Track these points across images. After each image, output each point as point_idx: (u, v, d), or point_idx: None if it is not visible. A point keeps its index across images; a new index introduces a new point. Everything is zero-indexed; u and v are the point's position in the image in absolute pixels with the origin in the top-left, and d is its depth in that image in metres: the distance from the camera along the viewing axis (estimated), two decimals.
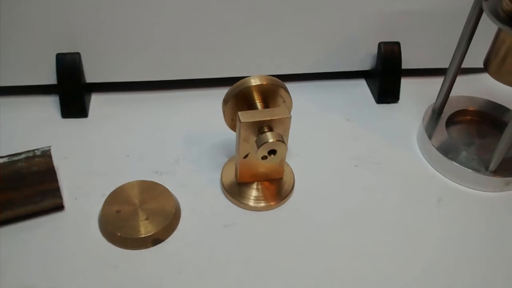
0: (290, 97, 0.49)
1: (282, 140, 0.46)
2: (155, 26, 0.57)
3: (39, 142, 0.54)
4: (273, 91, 0.48)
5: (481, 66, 0.51)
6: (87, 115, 0.58)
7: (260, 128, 0.46)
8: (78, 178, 0.51)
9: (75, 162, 0.53)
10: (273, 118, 0.46)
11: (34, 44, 0.56)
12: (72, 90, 0.57)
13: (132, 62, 0.59)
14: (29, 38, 0.55)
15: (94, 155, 0.54)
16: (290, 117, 0.46)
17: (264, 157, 0.47)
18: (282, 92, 0.48)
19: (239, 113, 0.46)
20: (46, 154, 0.46)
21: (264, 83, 0.47)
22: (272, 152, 0.46)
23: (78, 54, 0.57)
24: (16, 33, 0.55)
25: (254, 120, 0.46)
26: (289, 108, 0.49)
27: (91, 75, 0.58)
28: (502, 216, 0.51)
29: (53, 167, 0.46)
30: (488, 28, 0.50)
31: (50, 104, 0.59)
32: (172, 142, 0.56)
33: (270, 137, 0.45)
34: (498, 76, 0.49)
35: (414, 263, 0.47)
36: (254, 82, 0.47)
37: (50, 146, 0.46)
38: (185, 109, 0.60)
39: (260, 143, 0.45)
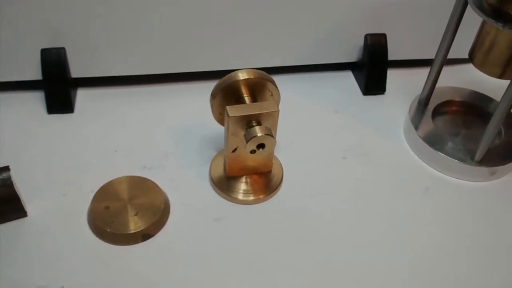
0: (278, 91, 0.49)
1: (270, 134, 0.46)
2: (140, 20, 0.56)
3: (25, 139, 0.54)
4: (260, 85, 0.48)
5: (467, 56, 0.52)
6: (73, 110, 0.58)
7: (248, 122, 0.46)
8: (65, 175, 0.51)
9: (62, 158, 0.53)
10: (261, 112, 0.46)
11: (18, 39, 0.55)
12: (58, 86, 0.57)
13: (118, 57, 0.58)
14: (13, 33, 0.55)
15: (81, 151, 0.54)
16: (278, 111, 0.46)
17: (252, 151, 0.47)
18: (269, 85, 0.48)
19: (227, 107, 0.46)
20: (6, 184, 0.44)
21: (252, 77, 0.47)
22: (261, 146, 0.46)
23: (63, 49, 0.56)
24: None
25: (243, 114, 0.46)
26: (277, 101, 0.49)
27: (76, 70, 0.58)
28: (488, 205, 0.52)
29: (15, 194, 0.45)
30: (473, 19, 0.50)
31: (35, 100, 0.58)
32: (160, 136, 0.55)
33: (258, 131, 0.45)
34: (483, 67, 0.49)
35: (403, 251, 0.47)
36: (242, 76, 0.47)
37: (9, 170, 0.45)
38: (172, 103, 0.59)
39: (248, 137, 0.45)
